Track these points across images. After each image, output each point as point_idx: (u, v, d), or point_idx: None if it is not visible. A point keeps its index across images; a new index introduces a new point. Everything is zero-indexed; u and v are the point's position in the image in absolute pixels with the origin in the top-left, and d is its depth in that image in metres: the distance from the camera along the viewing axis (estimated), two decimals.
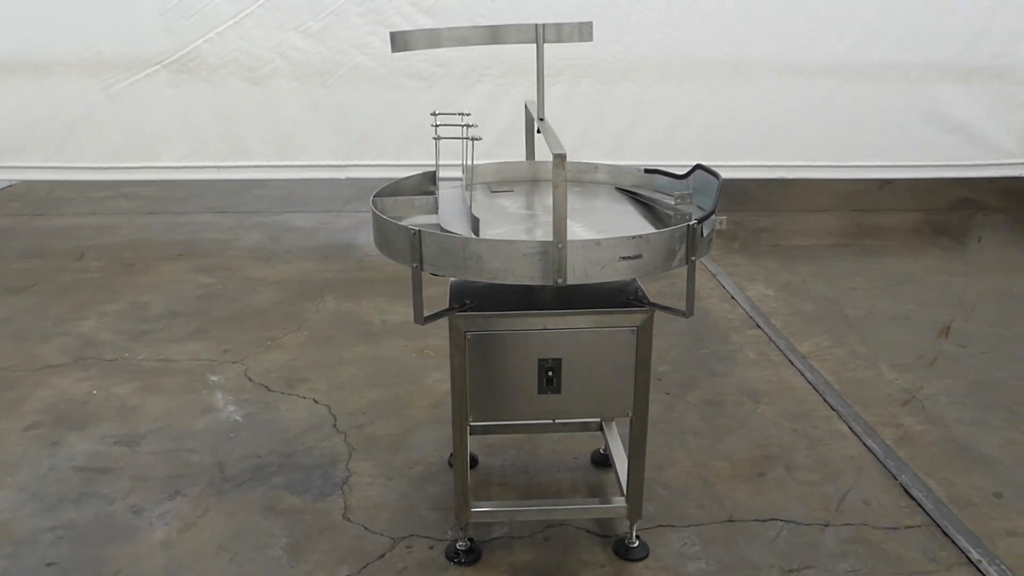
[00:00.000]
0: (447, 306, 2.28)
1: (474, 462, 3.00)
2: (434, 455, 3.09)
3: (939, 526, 2.64)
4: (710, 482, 2.91)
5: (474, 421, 2.44)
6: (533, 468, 3.01)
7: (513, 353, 2.31)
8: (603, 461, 3.05)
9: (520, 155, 2.89)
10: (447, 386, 3.13)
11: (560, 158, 1.98)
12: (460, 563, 2.51)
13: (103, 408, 3.43)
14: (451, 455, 3.02)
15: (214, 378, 3.71)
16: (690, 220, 2.17)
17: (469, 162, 2.57)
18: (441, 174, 2.73)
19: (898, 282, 4.93)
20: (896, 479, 2.92)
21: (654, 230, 2.27)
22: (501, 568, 2.50)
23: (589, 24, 2.54)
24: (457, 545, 2.55)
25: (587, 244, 2.06)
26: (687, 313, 2.24)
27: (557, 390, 2.35)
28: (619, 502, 2.55)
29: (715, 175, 2.47)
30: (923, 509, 2.74)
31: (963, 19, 5.79)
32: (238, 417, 3.38)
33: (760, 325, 4.25)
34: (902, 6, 5.76)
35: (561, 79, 5.70)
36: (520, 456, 3.08)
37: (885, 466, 3.00)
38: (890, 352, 3.95)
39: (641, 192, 2.71)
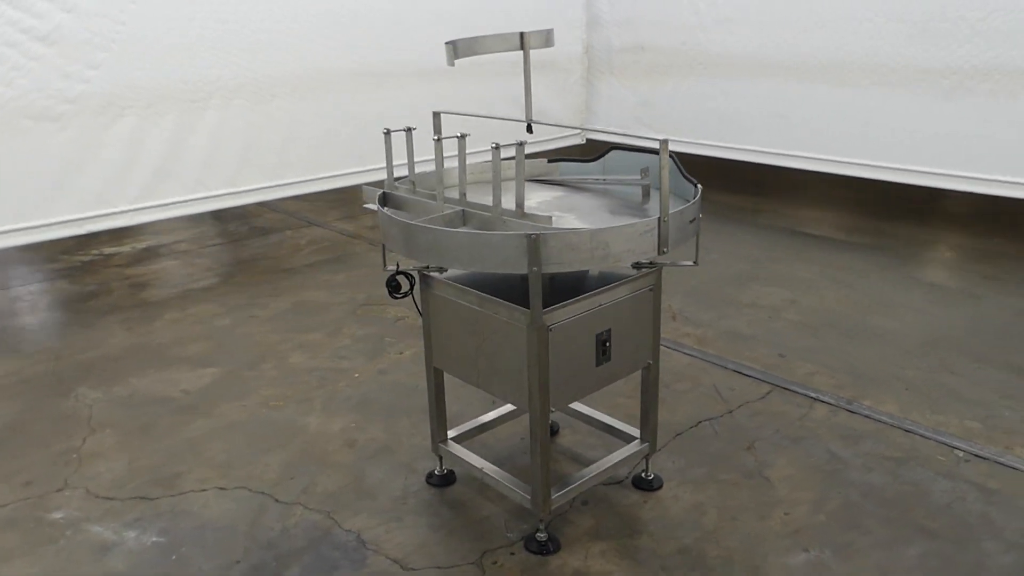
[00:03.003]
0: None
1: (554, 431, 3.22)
2: (414, 482, 2.98)
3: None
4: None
5: (555, 409, 2.54)
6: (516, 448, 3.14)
7: (580, 334, 2.49)
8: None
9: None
10: (337, 426, 3.26)
11: (664, 143, 2.27)
12: (550, 552, 2.60)
13: None
14: (431, 472, 2.98)
15: (58, 515, 2.85)
16: (698, 186, 2.62)
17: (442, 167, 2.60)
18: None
19: None
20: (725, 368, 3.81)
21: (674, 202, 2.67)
22: (583, 538, 2.66)
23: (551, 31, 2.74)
24: (538, 537, 2.62)
25: (675, 215, 2.37)
26: (696, 263, 2.69)
27: (608, 358, 2.60)
28: (634, 446, 2.90)
29: (638, 149, 2.93)
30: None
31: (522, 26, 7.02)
32: (155, 538, 2.72)
33: None
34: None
35: (212, 103, 5.35)
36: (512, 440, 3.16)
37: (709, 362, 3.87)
38: None
39: (550, 178, 3.05)
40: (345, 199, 6.90)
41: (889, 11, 5.69)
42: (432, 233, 2.31)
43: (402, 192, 2.76)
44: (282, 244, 5.96)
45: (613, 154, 3.03)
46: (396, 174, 2.84)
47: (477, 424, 3.10)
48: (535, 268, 2.21)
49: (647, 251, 2.32)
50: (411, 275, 2.78)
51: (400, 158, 2.84)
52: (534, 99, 7.13)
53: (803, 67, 6.25)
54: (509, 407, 3.19)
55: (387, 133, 2.77)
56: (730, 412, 3.47)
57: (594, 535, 2.70)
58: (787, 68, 6.38)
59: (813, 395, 3.58)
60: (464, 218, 2.52)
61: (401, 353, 4.10)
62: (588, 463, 2.90)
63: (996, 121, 5.41)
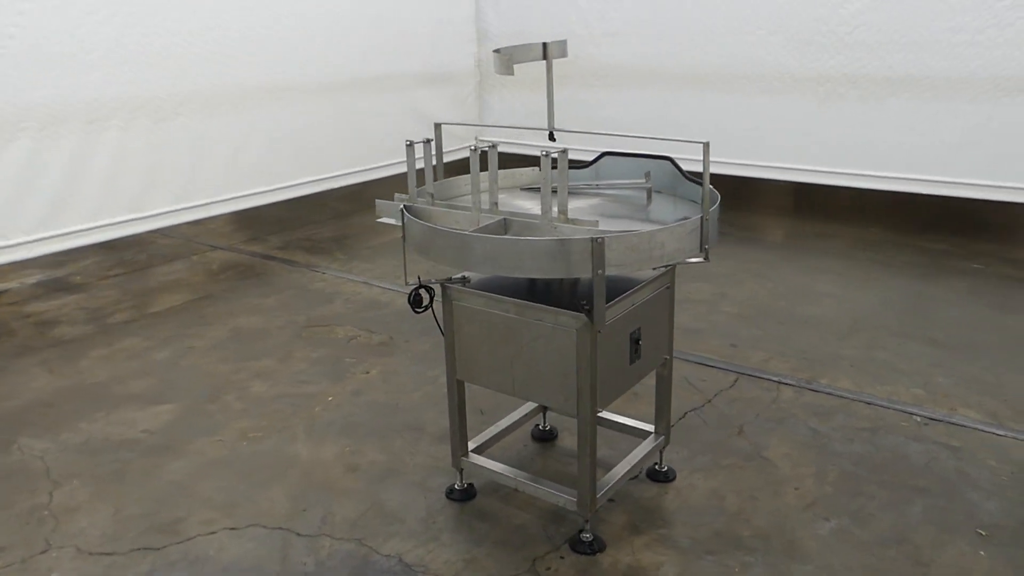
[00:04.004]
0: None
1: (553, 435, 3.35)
2: (435, 500, 2.93)
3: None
4: None
5: (601, 409, 2.59)
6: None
7: (618, 334, 2.56)
8: (544, 437, 3.36)
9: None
10: (330, 452, 3.23)
11: (706, 146, 2.38)
12: (598, 551, 2.65)
13: None
14: (451, 488, 2.94)
15: None
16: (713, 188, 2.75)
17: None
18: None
19: None
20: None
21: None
22: (623, 534, 2.73)
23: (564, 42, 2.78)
24: (583, 537, 2.66)
25: (709, 217, 2.48)
26: (707, 259, 2.82)
27: (639, 355, 2.69)
28: (651, 440, 3.01)
29: (630, 155, 3.05)
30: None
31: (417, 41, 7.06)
32: None
33: None
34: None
35: (113, 123, 4.98)
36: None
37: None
38: None
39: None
40: (247, 221, 6.60)
41: (771, 25, 6.18)
42: (492, 242, 2.30)
43: (429, 204, 2.72)
44: (192, 270, 5.62)
45: (606, 160, 3.13)
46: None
47: (491, 435, 3.08)
48: (600, 271, 2.26)
49: (693, 249, 2.43)
50: (431, 289, 2.75)
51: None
52: (431, 111, 7.23)
53: (693, 76, 6.65)
54: (512, 415, 3.20)
55: (409, 145, 2.73)
56: (709, 401, 3.65)
57: (632, 530, 2.77)
58: (678, 77, 6.77)
59: (776, 379, 3.84)
60: (505, 226, 2.53)
61: (367, 373, 3.99)
62: (600, 463, 2.97)
63: (865, 123, 6.00)
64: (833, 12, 5.94)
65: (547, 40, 2.71)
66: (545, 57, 2.66)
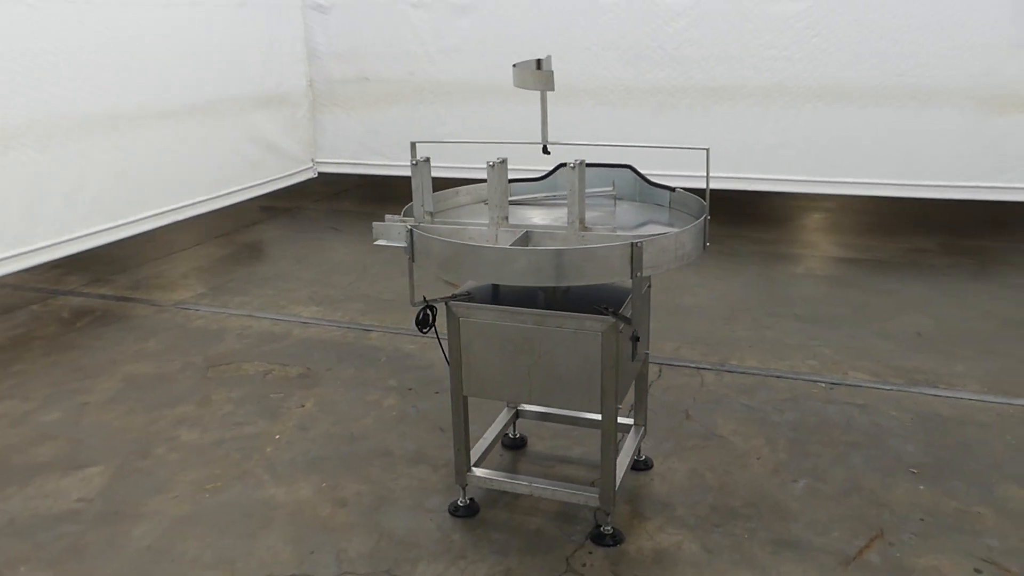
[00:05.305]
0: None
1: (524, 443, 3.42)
2: (443, 520, 2.90)
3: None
4: None
5: (620, 405, 2.72)
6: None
7: (626, 335, 2.72)
8: (515, 444, 3.44)
9: None
10: (306, 491, 3.15)
11: (707, 152, 2.60)
12: (621, 541, 2.79)
13: None
14: (455, 505, 2.94)
15: None
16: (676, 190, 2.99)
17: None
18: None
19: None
20: None
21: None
22: (634, 523, 2.89)
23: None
24: (604, 531, 2.79)
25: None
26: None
27: (636, 353, 2.86)
28: (634, 433, 3.20)
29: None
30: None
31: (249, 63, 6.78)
32: None
33: None
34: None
35: None
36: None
37: None
38: None
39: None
40: (80, 263, 5.94)
41: (606, 41, 6.65)
42: (535, 255, 2.36)
43: (438, 222, 2.71)
44: (40, 320, 4.98)
45: (562, 170, 3.27)
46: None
47: (483, 449, 3.10)
48: (638, 273, 2.41)
49: (699, 247, 2.65)
50: (434, 307, 2.75)
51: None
52: (268, 135, 7.13)
53: (531, 91, 6.96)
54: (493, 427, 3.25)
55: (415, 164, 2.70)
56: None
57: (638, 517, 2.94)
58: (518, 92, 6.98)
59: (693, 365, 4.19)
60: (526, 239, 2.59)
61: (303, 406, 3.82)
62: (577, 461, 3.13)
63: (695, 129, 6.65)
64: (660, 29, 6.52)
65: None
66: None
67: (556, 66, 2.92)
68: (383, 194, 8.56)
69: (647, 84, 6.68)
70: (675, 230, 2.52)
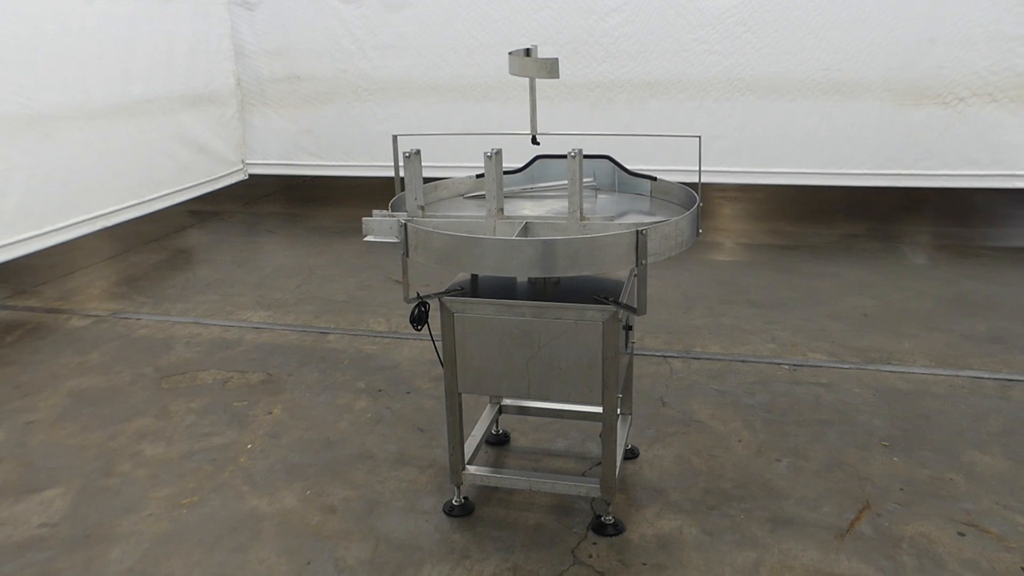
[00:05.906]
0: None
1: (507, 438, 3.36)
2: (440, 521, 2.84)
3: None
4: None
5: (619, 393, 2.71)
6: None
7: (621, 325, 2.72)
8: (499, 441, 3.40)
9: None
10: (290, 500, 3.06)
11: (699, 139, 2.61)
12: (623, 530, 2.79)
13: None
14: (450, 505, 2.89)
15: None
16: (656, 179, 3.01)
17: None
18: None
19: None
20: None
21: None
22: (631, 511, 2.90)
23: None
24: (605, 520, 2.79)
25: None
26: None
27: (628, 342, 2.87)
28: (624, 422, 3.20)
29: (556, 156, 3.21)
30: None
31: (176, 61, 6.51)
32: None
33: None
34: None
35: None
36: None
37: None
38: None
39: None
40: (2, 274, 5.57)
41: (543, 36, 6.66)
42: (544, 244, 2.33)
43: (429, 216, 2.64)
44: None
45: (539, 162, 3.25)
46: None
47: (473, 447, 3.05)
48: (643, 261, 2.41)
49: (693, 233, 2.67)
50: (427, 303, 2.68)
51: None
52: (197, 136, 6.97)
53: (471, 87, 6.93)
54: (479, 425, 3.20)
55: (408, 156, 2.62)
56: None
57: (635, 505, 2.95)
58: (455, 89, 6.99)
59: (660, 354, 4.24)
60: (527, 230, 2.55)
61: (270, 413, 3.68)
62: (563, 454, 3.12)
63: (632, 122, 6.75)
64: (596, 24, 6.58)
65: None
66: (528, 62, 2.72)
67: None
68: (311, 195, 8.37)
69: (585, 79, 6.73)
70: (676, 217, 2.53)
